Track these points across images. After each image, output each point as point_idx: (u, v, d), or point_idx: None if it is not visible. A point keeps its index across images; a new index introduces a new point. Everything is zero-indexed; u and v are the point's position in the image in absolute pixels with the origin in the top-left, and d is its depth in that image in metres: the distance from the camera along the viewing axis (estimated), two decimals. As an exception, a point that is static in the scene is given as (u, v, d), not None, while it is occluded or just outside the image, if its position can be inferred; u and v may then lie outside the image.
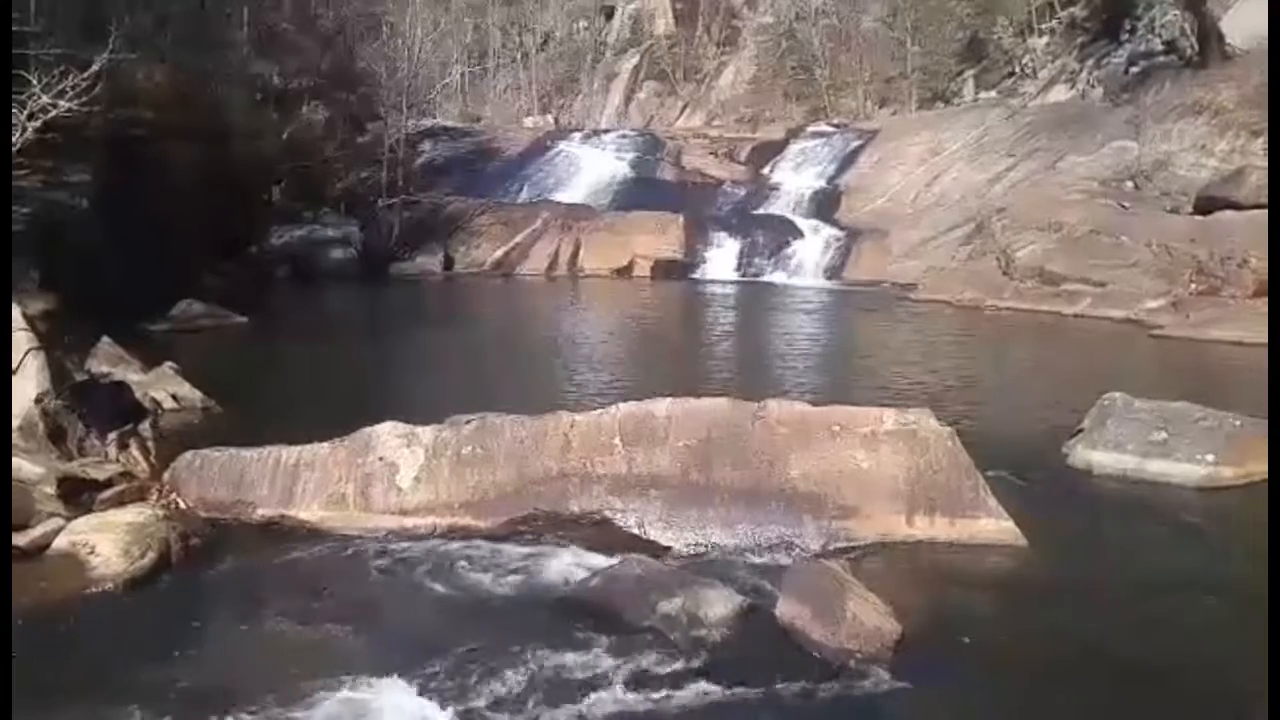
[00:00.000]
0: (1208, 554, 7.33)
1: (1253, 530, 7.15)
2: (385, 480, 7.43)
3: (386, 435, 7.62)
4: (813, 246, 26.25)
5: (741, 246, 26.58)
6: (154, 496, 7.47)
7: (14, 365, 7.39)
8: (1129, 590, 6.57)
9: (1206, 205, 20.85)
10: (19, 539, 6.49)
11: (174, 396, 10.72)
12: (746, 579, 6.48)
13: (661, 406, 7.54)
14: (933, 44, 35.58)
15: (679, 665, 5.44)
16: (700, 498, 7.14)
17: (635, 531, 7.04)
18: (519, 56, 52.36)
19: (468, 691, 5.13)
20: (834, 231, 26.73)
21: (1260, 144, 21.06)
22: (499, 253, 27.17)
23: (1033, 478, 8.58)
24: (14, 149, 11.21)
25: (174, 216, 17.65)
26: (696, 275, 26.21)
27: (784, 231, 27.00)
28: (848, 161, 30.85)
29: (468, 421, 7.80)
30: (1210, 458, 8.62)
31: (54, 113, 11.37)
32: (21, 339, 7.54)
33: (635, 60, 48.13)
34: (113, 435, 7.88)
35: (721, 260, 26.51)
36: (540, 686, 5.19)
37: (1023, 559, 6.99)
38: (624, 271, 26.40)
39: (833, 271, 25.50)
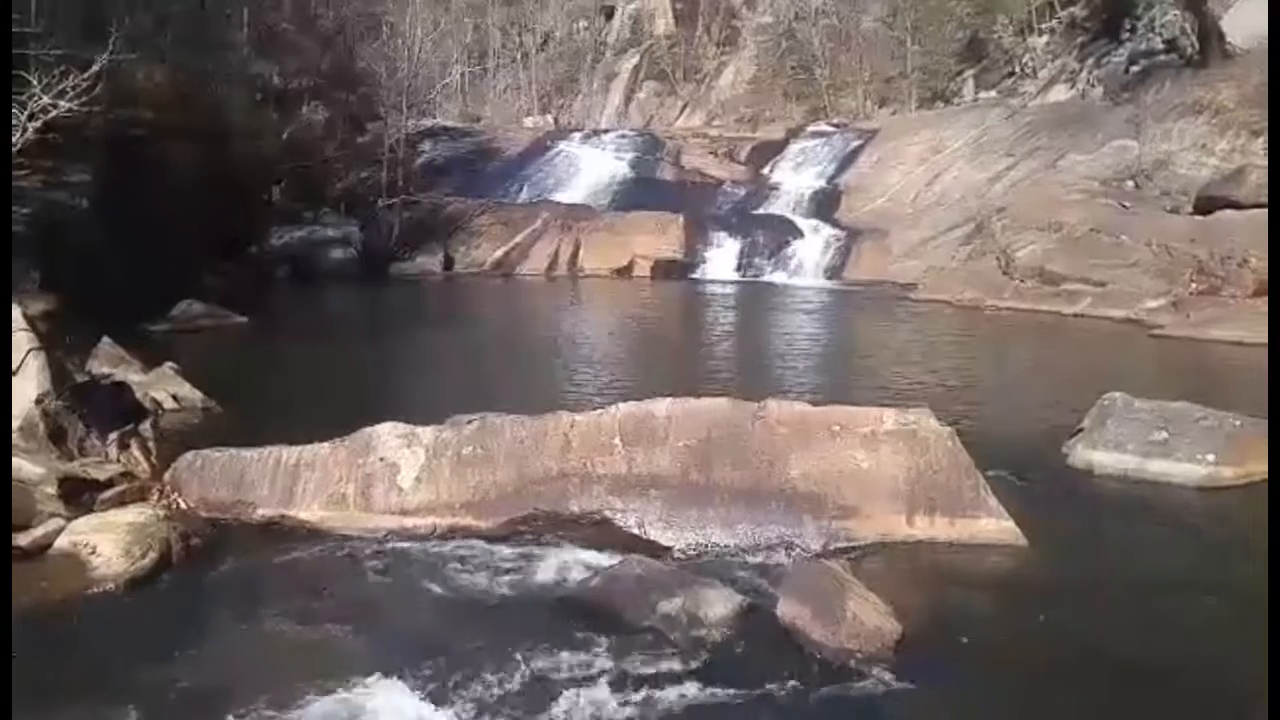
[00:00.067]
0: (1208, 554, 7.33)
1: (1253, 530, 7.15)
2: (386, 480, 7.43)
3: (387, 435, 7.62)
4: (813, 246, 26.24)
5: (741, 246, 26.57)
6: (155, 497, 7.47)
7: (15, 366, 7.39)
8: (1129, 590, 6.56)
9: (1207, 205, 20.85)
10: (20, 539, 6.49)
11: (174, 397, 10.73)
12: (746, 579, 6.49)
13: (661, 406, 7.54)
14: (933, 43, 35.58)
15: (679, 665, 5.44)
16: (700, 498, 7.14)
17: (635, 531, 7.04)
18: (519, 56, 52.38)
19: (468, 692, 5.13)
20: (834, 231, 26.73)
21: (1260, 143, 21.07)
22: (499, 253, 27.17)
23: (1033, 478, 8.58)
24: (14, 149, 11.20)
25: (174, 217, 17.66)
26: (696, 275, 26.21)
27: (784, 231, 27.00)
28: (848, 161, 30.85)
29: (468, 422, 7.80)
30: (1211, 457, 8.62)
31: (54, 113, 11.38)
32: (22, 339, 7.55)
33: (635, 60, 48.15)
34: (113, 435, 7.88)
35: (721, 260, 26.51)
36: (540, 686, 5.19)
37: (1023, 559, 6.99)
38: (624, 271, 26.39)
39: (833, 271, 25.50)
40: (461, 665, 5.35)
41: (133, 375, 10.65)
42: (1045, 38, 32.77)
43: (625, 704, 5.07)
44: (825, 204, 28.91)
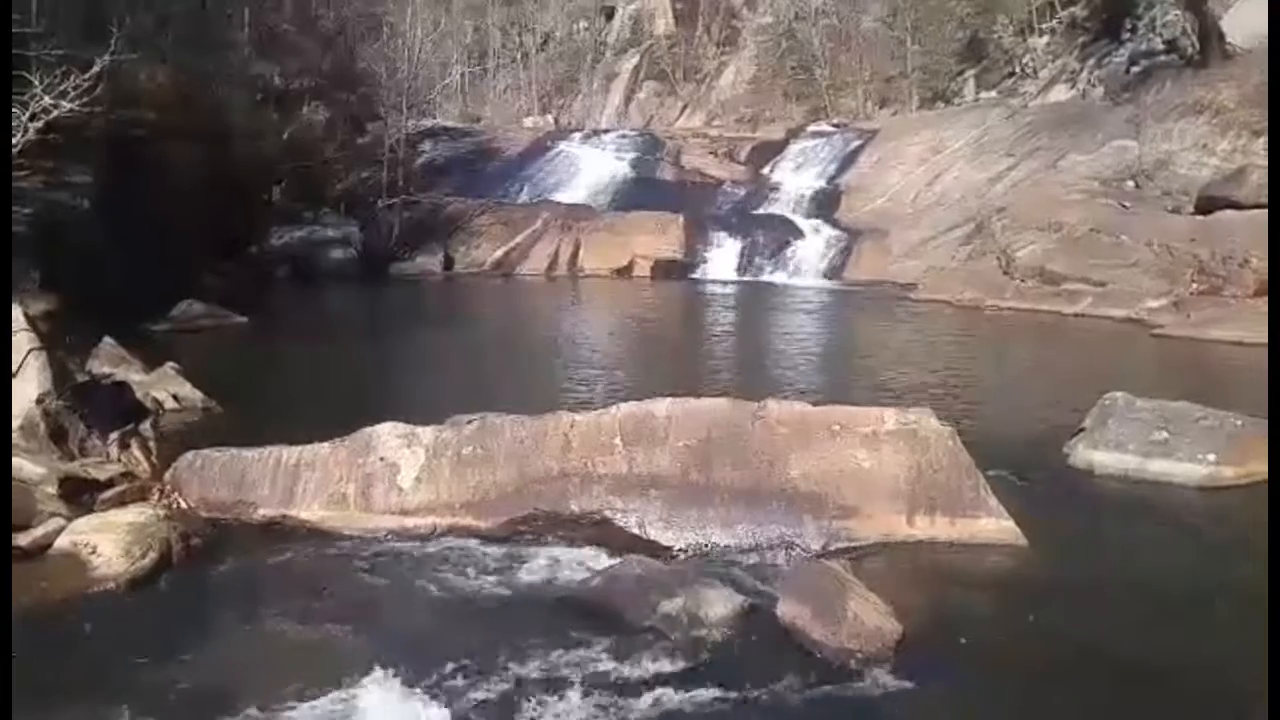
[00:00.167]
0: (1208, 554, 7.33)
1: (1253, 530, 7.15)
2: (386, 480, 7.43)
3: (387, 435, 7.62)
4: (813, 246, 26.24)
5: (742, 246, 26.56)
6: (155, 496, 7.47)
7: (16, 366, 7.40)
8: (1130, 590, 6.56)
9: (1207, 205, 20.84)
10: (21, 539, 6.49)
11: (175, 397, 10.73)
12: (747, 579, 6.49)
13: (662, 406, 7.54)
14: (933, 44, 35.58)
15: (679, 665, 5.44)
16: (700, 498, 7.14)
17: (635, 531, 7.04)
18: (519, 57, 52.39)
19: (467, 692, 5.13)
20: (834, 231, 26.72)
21: (1261, 143, 21.06)
22: (499, 253, 27.16)
23: (1033, 477, 8.58)
24: (15, 149, 11.20)
25: (175, 217, 17.66)
26: (696, 275, 26.21)
27: (784, 231, 27.00)
28: (848, 161, 30.85)
29: (468, 421, 7.80)
30: (1211, 457, 8.62)
31: (56, 113, 11.36)
32: (23, 339, 7.56)
33: (635, 60, 48.15)
34: (114, 435, 7.89)
35: (722, 260, 26.50)
36: (540, 687, 5.19)
37: (1023, 559, 6.99)
38: (624, 271, 26.39)
39: (833, 271, 25.49)
40: (461, 665, 5.34)
41: (133, 375, 10.66)
42: (1046, 38, 32.77)
43: (626, 704, 5.07)
44: (825, 204, 28.91)
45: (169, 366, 11.27)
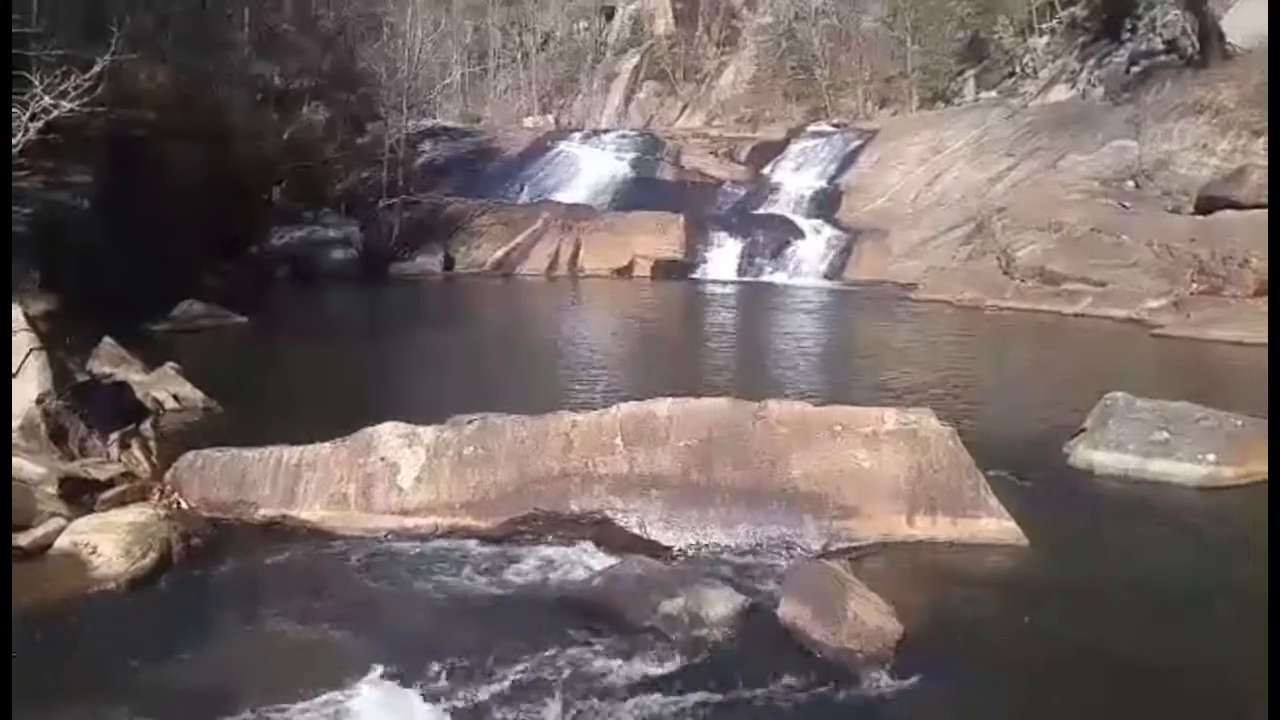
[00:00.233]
0: (1208, 554, 7.34)
1: (1254, 530, 7.15)
2: (387, 480, 7.43)
3: (388, 435, 7.63)
4: (813, 246, 26.23)
5: (742, 246, 26.54)
6: (155, 496, 7.48)
7: (16, 366, 7.40)
8: (1130, 590, 6.57)
9: (1207, 205, 20.84)
10: (21, 539, 6.50)
11: (175, 396, 10.73)
12: (747, 579, 6.49)
13: (662, 406, 7.54)
14: (933, 44, 35.57)
15: (680, 665, 5.44)
16: (701, 498, 7.14)
17: (636, 531, 7.04)
18: (519, 57, 52.39)
19: (468, 692, 5.13)
20: (834, 231, 26.71)
21: (1261, 143, 21.06)
22: (499, 253, 27.16)
23: (1034, 477, 8.58)
24: (16, 149, 11.20)
25: (175, 217, 17.66)
26: (697, 275, 26.20)
27: (784, 231, 26.99)
28: (848, 161, 30.83)
29: (469, 422, 7.80)
30: (1212, 457, 8.62)
31: (56, 113, 11.37)
32: (23, 339, 7.56)
33: (635, 60, 48.14)
34: (114, 435, 7.89)
35: (722, 260, 26.49)
36: (541, 687, 5.19)
37: (1024, 559, 7.00)
38: (624, 272, 26.38)
39: (833, 271, 25.48)
40: (462, 665, 5.34)
41: (134, 375, 10.66)
42: (1046, 38, 32.76)
43: (626, 704, 5.07)
44: (826, 204, 28.90)
45: (169, 366, 11.27)
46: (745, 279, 25.65)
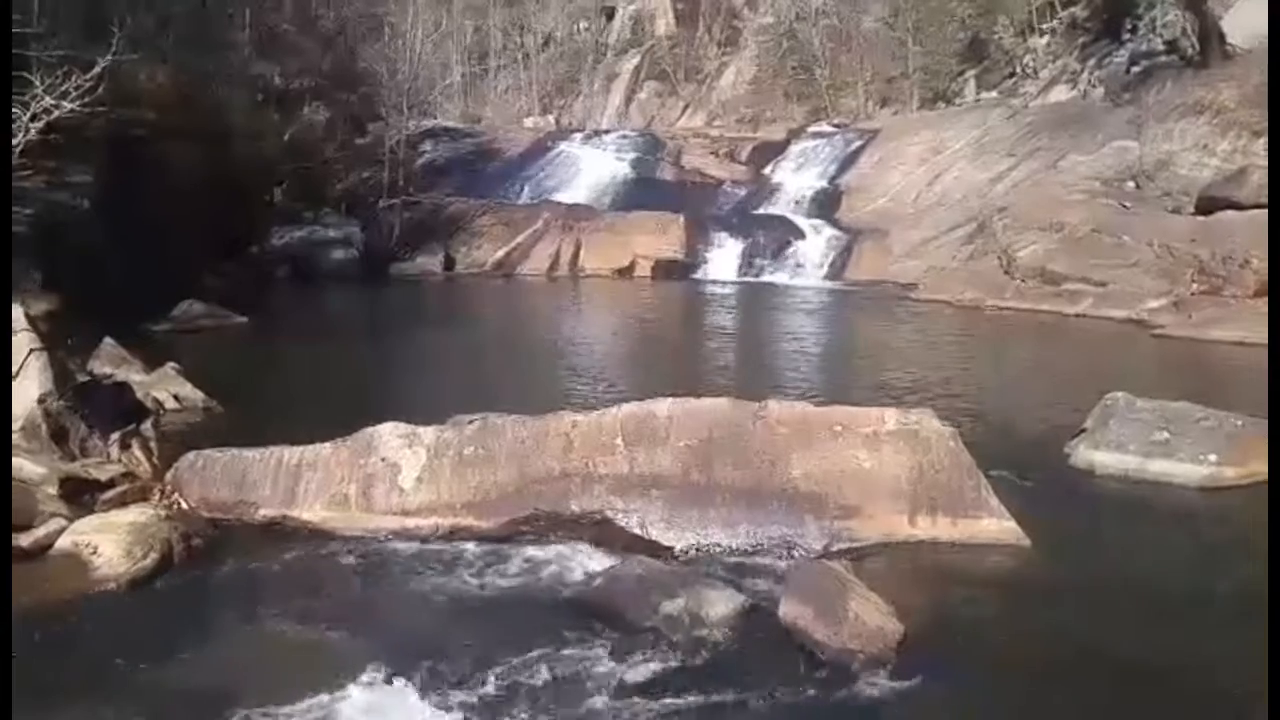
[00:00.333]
0: (1209, 554, 7.34)
1: (1254, 530, 7.15)
2: (387, 481, 7.43)
3: (388, 435, 7.63)
4: (814, 246, 26.22)
5: (743, 247, 26.53)
6: (156, 497, 7.48)
7: (17, 366, 7.40)
8: (1130, 590, 6.56)
9: (1208, 205, 20.82)
10: (22, 539, 6.50)
11: (176, 397, 10.73)
12: (748, 579, 6.49)
13: (663, 406, 7.54)
14: (934, 44, 35.56)
15: (681, 665, 5.44)
16: (701, 498, 7.14)
17: (636, 531, 7.04)
18: (520, 57, 52.39)
19: (468, 692, 5.13)
20: (835, 231, 26.70)
21: (1261, 144, 21.03)
22: (500, 253, 27.16)
23: (1035, 478, 8.57)
24: (17, 150, 11.21)
25: (175, 217, 17.66)
26: (697, 275, 26.18)
27: (785, 231, 26.98)
28: (849, 161, 30.83)
29: (469, 422, 7.80)
30: (1212, 458, 8.62)
31: (57, 114, 11.37)
32: (24, 339, 7.56)
33: (636, 61, 48.13)
34: (115, 436, 7.89)
35: (722, 260, 26.48)
36: (542, 687, 5.20)
37: (1025, 559, 7.00)
38: (625, 272, 26.37)
39: (834, 271, 25.46)
40: (462, 666, 5.35)
41: (134, 375, 10.66)
42: (1046, 38, 32.76)
43: (627, 704, 5.07)
44: (826, 204, 28.89)
45: (170, 367, 11.27)
46: (746, 279, 25.64)
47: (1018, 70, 32.73)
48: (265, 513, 7.40)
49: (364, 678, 5.17)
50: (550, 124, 45.01)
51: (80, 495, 7.14)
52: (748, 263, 26.18)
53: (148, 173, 17.44)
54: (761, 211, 29.11)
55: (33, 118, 11.28)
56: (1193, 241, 19.69)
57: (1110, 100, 27.62)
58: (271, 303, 19.95)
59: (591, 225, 27.49)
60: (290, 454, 7.61)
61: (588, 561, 6.78)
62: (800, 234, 26.67)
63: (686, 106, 44.84)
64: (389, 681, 5.16)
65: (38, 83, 11.24)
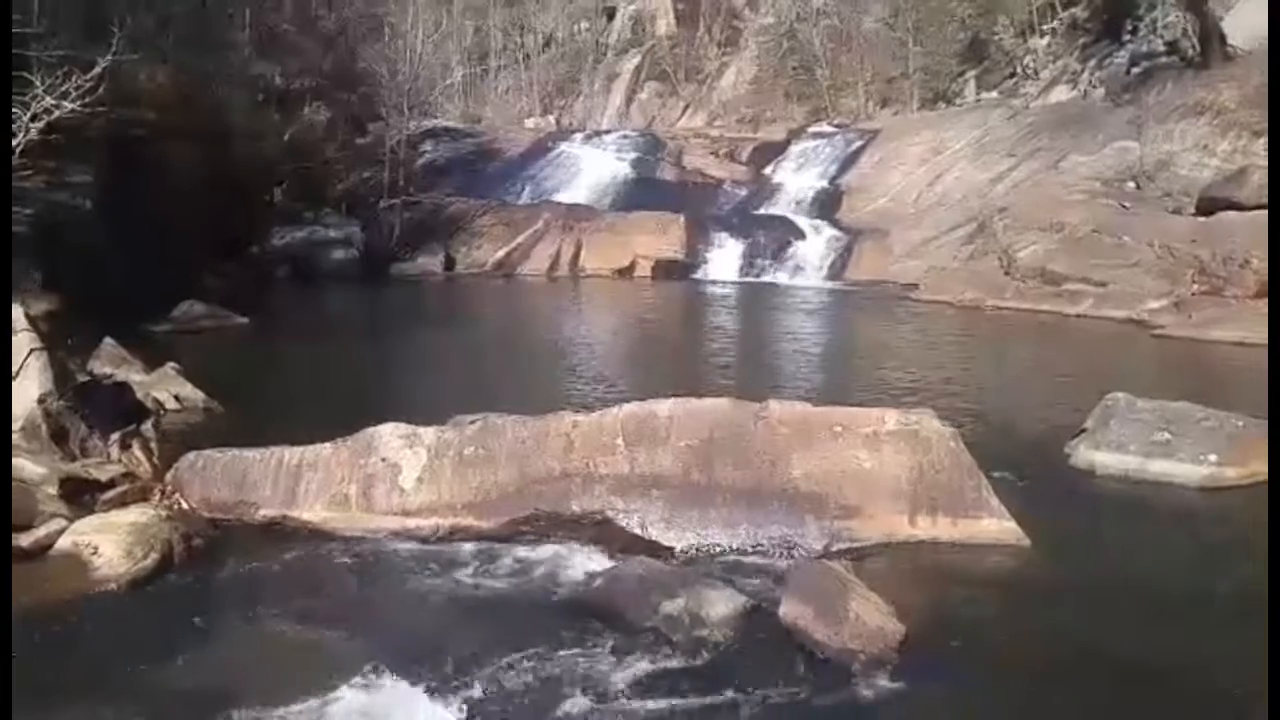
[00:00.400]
0: (1210, 554, 7.34)
1: (1255, 530, 7.14)
2: (388, 481, 7.43)
3: (389, 436, 7.63)
4: (814, 247, 26.23)
5: (743, 247, 26.54)
6: (156, 497, 7.48)
7: (17, 366, 7.40)
8: (1131, 591, 6.56)
9: (1208, 205, 20.81)
10: (22, 539, 6.50)
11: (176, 397, 10.74)
12: (748, 579, 6.49)
13: (664, 407, 7.54)
14: (934, 44, 35.56)
15: (681, 666, 5.44)
16: (702, 498, 7.14)
17: (637, 532, 7.04)
18: (520, 58, 52.39)
19: (469, 692, 5.13)
20: (835, 232, 26.71)
21: (1261, 144, 21.03)
22: (500, 253, 27.16)
23: (1035, 478, 8.57)
24: (17, 150, 11.21)
25: (176, 217, 17.67)
26: (698, 275, 26.19)
27: (785, 232, 26.98)
28: (849, 162, 30.84)
29: (470, 422, 7.80)
30: (1213, 458, 8.61)
31: (57, 114, 11.37)
32: (24, 340, 7.56)
33: (636, 61, 48.13)
34: (115, 436, 7.89)
35: (723, 260, 26.48)
36: (542, 687, 5.19)
37: (1025, 559, 6.99)
38: (625, 272, 26.37)
39: (834, 272, 25.47)
40: (463, 666, 5.35)
41: (134, 375, 10.66)
42: (1046, 39, 32.77)
43: (627, 704, 5.07)
44: (827, 204, 28.90)
45: (170, 367, 11.27)
46: (746, 279, 25.65)
47: (1018, 71, 32.74)
48: (266, 513, 7.40)
49: (364, 678, 5.17)
50: (551, 124, 45.03)
51: (80, 495, 7.14)
52: (748, 263, 26.18)
53: (148, 173, 17.45)
54: (762, 212, 29.11)
55: (33, 118, 11.28)
56: (1193, 242, 19.69)
57: (1111, 101, 27.62)
58: (272, 303, 19.95)
59: (592, 225, 27.49)
60: (291, 454, 7.61)
61: (588, 562, 6.78)
62: (801, 234, 26.67)
63: (687, 107, 44.85)
64: (389, 682, 5.16)
65: (38, 83, 11.24)
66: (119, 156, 16.95)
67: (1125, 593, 6.52)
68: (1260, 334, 14.33)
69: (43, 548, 6.57)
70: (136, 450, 7.94)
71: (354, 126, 29.98)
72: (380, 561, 6.86)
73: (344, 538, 7.19)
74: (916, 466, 7.23)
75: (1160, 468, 8.70)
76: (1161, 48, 27.44)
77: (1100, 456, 9.00)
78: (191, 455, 7.79)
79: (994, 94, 33.09)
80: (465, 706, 5.02)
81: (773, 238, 26.77)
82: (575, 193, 30.81)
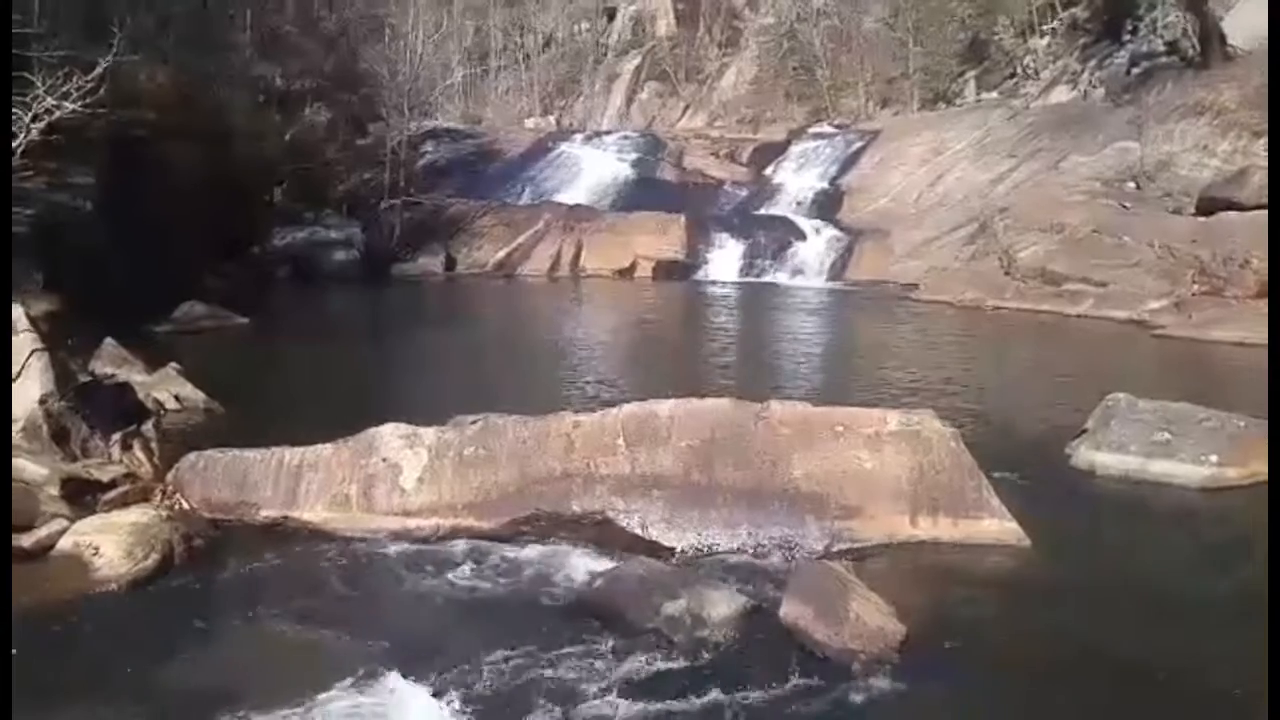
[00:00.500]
0: (1210, 555, 7.34)
1: (1255, 530, 7.15)
2: (388, 481, 7.43)
3: (389, 436, 7.63)
4: (815, 247, 26.23)
5: (744, 247, 26.55)
6: (157, 497, 7.48)
7: (18, 367, 7.40)
8: (1131, 591, 6.56)
9: (1209, 206, 20.82)
10: (23, 540, 6.50)
11: (177, 397, 10.74)
12: (749, 579, 6.49)
13: (664, 407, 7.54)
14: (934, 44, 35.57)
15: (682, 666, 5.45)
16: (703, 498, 7.14)
17: (638, 532, 7.04)
18: (520, 58, 52.39)
19: (469, 692, 5.13)
20: (836, 232, 26.71)
21: (1262, 144, 21.03)
22: (501, 254, 27.18)
23: (1036, 478, 8.57)
24: (17, 150, 11.21)
25: (176, 218, 17.67)
26: (699, 276, 26.19)
27: (786, 232, 26.99)
28: (850, 162, 30.85)
29: (471, 422, 7.80)
30: (1214, 458, 8.62)
31: (58, 114, 11.37)
32: (26, 340, 7.56)
33: (637, 61, 48.12)
34: (116, 436, 7.90)
35: (723, 261, 26.49)
36: (543, 687, 5.20)
37: (1026, 559, 6.99)
38: (626, 272, 26.38)
39: (835, 272, 25.47)
40: (463, 666, 5.35)
41: (135, 376, 10.67)
42: (1047, 39, 32.78)
43: (628, 705, 5.07)
44: (827, 205, 28.91)
45: (171, 367, 11.28)
46: (747, 279, 25.65)
47: (1018, 71, 32.75)
48: (266, 513, 7.40)
49: (365, 678, 5.17)
50: (551, 125, 45.03)
51: (81, 496, 7.14)
52: (749, 263, 26.19)
53: (149, 173, 17.45)
54: (762, 212, 29.13)
55: (34, 118, 11.28)
56: (1193, 242, 19.69)
57: (1111, 101, 27.63)
58: (272, 303, 19.96)
59: (592, 226, 27.50)
60: (291, 455, 7.62)
61: (589, 562, 6.78)
62: (801, 234, 26.67)
63: (687, 107, 44.84)
64: (389, 682, 5.16)
65: (39, 83, 11.24)
66: (120, 157, 16.96)
67: (1125, 593, 6.53)
68: (1260, 334, 14.33)
69: (44, 548, 6.57)
70: (137, 451, 7.95)
71: (355, 127, 29.98)
72: (380, 562, 6.86)
73: (345, 538, 7.19)
74: (917, 467, 7.23)
75: (1161, 468, 8.70)
76: (1161, 48, 27.44)
77: (1101, 457, 9.00)
78: (192, 456, 7.79)
79: (994, 94, 33.10)
80: (464, 707, 5.02)
81: (773, 238, 26.78)
82: (576, 193, 30.82)
